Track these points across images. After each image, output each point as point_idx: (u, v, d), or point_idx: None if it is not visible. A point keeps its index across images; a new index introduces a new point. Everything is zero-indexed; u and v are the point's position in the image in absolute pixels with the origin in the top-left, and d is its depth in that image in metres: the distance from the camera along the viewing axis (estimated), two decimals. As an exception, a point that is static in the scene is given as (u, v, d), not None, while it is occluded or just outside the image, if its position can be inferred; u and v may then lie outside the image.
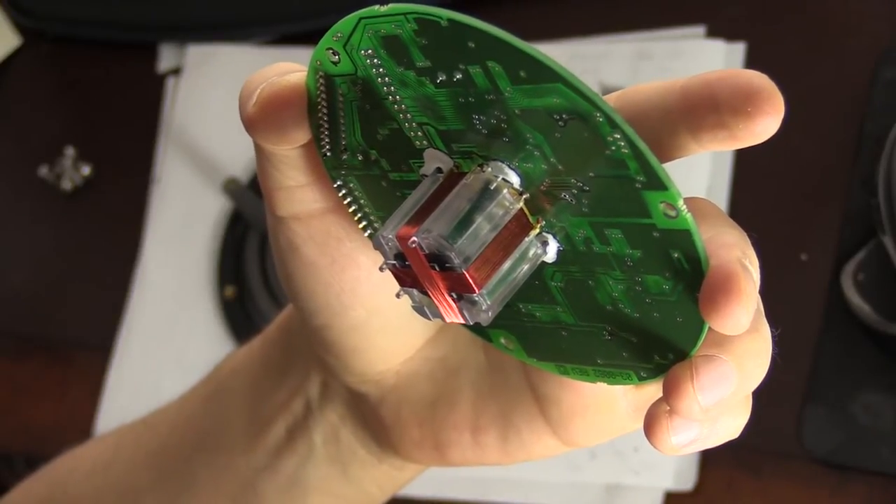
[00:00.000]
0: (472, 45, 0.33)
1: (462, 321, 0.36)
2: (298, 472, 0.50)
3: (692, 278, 0.34)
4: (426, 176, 0.37)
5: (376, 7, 0.35)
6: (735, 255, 0.33)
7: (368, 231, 0.40)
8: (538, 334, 0.40)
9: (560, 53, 0.92)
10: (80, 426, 0.93)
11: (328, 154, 0.39)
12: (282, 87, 0.37)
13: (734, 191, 0.86)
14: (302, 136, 0.38)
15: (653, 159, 0.32)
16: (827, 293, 0.81)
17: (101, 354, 0.95)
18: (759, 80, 0.33)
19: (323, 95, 0.37)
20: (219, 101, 0.99)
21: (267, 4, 1.01)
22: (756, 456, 0.79)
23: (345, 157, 0.39)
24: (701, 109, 0.34)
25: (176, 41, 1.03)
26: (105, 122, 1.03)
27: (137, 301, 0.96)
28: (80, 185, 1.01)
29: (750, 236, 0.35)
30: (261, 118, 0.38)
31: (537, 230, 0.36)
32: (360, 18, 0.35)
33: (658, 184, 0.33)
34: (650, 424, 0.36)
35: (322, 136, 0.38)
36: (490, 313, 0.36)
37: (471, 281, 0.35)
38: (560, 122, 0.33)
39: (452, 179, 0.36)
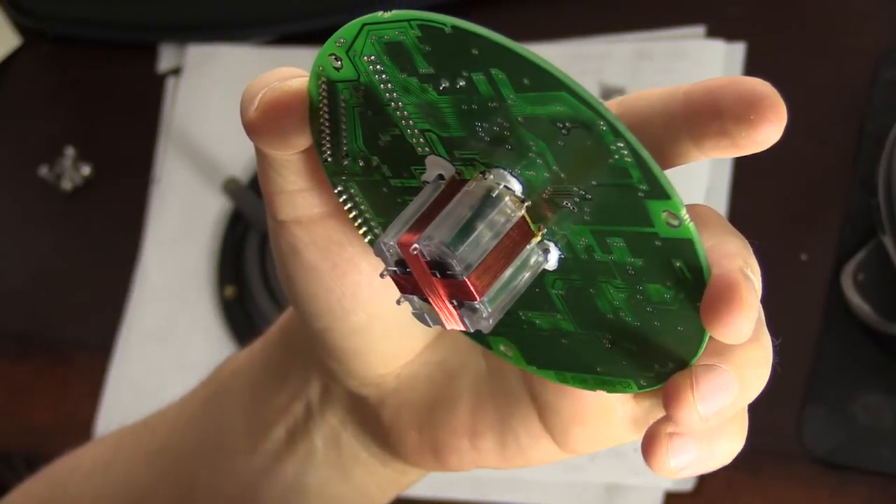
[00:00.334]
0: (475, 52, 0.33)
1: (463, 328, 0.36)
2: (299, 475, 0.50)
3: (694, 287, 0.34)
4: (428, 183, 0.37)
5: (380, 13, 0.35)
6: (737, 264, 0.33)
7: (369, 237, 0.40)
8: (538, 342, 0.40)
9: (560, 54, 0.92)
10: (80, 426, 0.93)
11: (329, 159, 0.39)
12: (283, 92, 0.37)
13: (734, 191, 0.86)
14: (303, 141, 0.38)
15: (656, 168, 0.32)
16: (827, 293, 0.81)
17: (101, 354, 0.95)
18: (762, 87, 0.33)
19: (325, 101, 0.37)
20: (219, 101, 0.99)
21: (267, 4, 1.01)
22: (756, 456, 0.79)
23: (346, 162, 0.38)
24: (703, 117, 0.34)
25: (176, 41, 1.03)
26: (105, 122, 1.03)
27: (137, 301, 0.96)
28: (80, 185, 1.01)
29: (752, 244, 0.35)
30: (262, 123, 0.38)
31: (539, 238, 0.36)
32: (364, 24, 0.35)
33: (661, 193, 0.33)
34: (649, 446, 0.36)
35: (323, 142, 0.38)
36: (491, 321, 0.36)
37: (472, 288, 0.35)
38: (563, 131, 0.33)
39: (454, 186, 0.36)
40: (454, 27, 0.33)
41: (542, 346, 0.40)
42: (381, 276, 0.37)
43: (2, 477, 0.95)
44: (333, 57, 0.36)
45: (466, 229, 0.35)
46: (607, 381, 0.39)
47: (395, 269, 0.36)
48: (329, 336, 0.44)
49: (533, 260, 0.36)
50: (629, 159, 0.33)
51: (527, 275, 0.36)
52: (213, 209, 0.97)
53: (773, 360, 0.36)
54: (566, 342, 0.39)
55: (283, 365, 0.50)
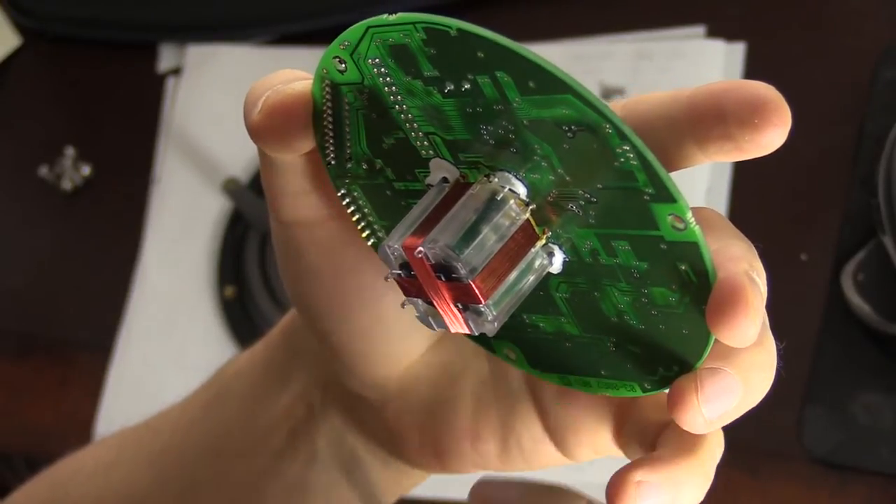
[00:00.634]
0: (481, 54, 0.33)
1: (467, 332, 0.36)
2: (301, 476, 0.50)
3: (699, 291, 0.34)
4: (432, 186, 0.37)
5: (385, 16, 0.35)
6: (742, 267, 0.33)
7: (372, 240, 0.40)
8: (542, 345, 0.39)
9: (560, 54, 0.92)
10: (80, 426, 0.93)
11: (332, 163, 0.39)
12: (287, 95, 0.37)
13: (734, 191, 0.86)
14: (306, 144, 0.38)
15: (662, 172, 0.32)
16: (827, 293, 0.81)
17: (101, 354, 0.95)
18: (766, 91, 0.33)
19: (329, 104, 0.37)
20: (219, 101, 0.99)
21: (267, 4, 1.01)
22: (755, 456, 0.79)
23: (349, 165, 0.38)
24: (707, 120, 0.34)
25: (176, 41, 1.03)
26: (105, 122, 1.03)
27: (137, 301, 0.96)
28: (80, 185, 1.01)
29: (756, 247, 0.35)
30: (265, 126, 0.37)
31: (543, 241, 0.36)
32: (369, 27, 0.35)
33: (667, 196, 0.33)
34: (614, 494, 0.36)
35: (327, 145, 0.38)
36: (496, 324, 0.36)
37: (477, 291, 0.35)
38: (569, 133, 0.33)
39: (458, 189, 0.36)
40: (459, 30, 0.33)
41: (545, 349, 0.39)
42: (386, 279, 0.37)
43: (2, 477, 0.95)
44: (337, 60, 0.36)
45: (471, 232, 0.35)
46: (611, 384, 0.39)
47: (399, 272, 0.36)
48: (332, 338, 0.44)
49: (537, 263, 0.36)
50: (635, 162, 0.33)
51: (531, 278, 0.36)
52: (213, 209, 0.97)
53: (777, 363, 0.36)
54: (570, 345, 0.39)
55: (286, 367, 0.49)
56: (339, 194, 0.39)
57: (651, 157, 0.32)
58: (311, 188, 0.40)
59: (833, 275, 0.81)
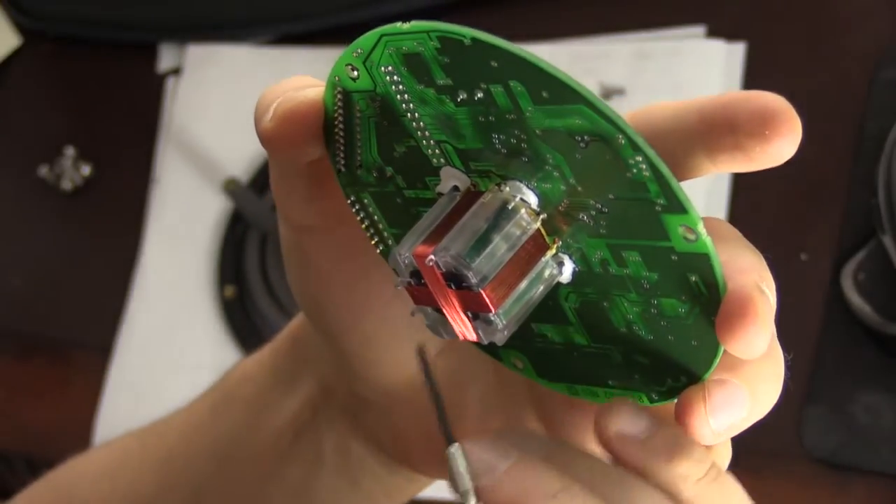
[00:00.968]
0: (494, 64, 0.33)
1: (477, 340, 0.36)
2: (307, 481, 0.50)
3: (709, 302, 0.34)
4: (442, 194, 0.37)
5: (398, 24, 0.35)
6: (752, 278, 0.34)
7: (380, 247, 0.40)
8: (550, 355, 0.39)
9: (560, 54, 0.92)
10: (80, 426, 0.93)
11: (343, 170, 0.39)
12: (299, 102, 0.37)
13: (734, 191, 0.86)
14: (317, 151, 0.38)
15: (674, 183, 0.32)
16: (827, 293, 0.81)
17: (101, 354, 0.95)
18: (777, 102, 0.33)
19: (340, 111, 0.37)
20: (219, 101, 0.99)
21: (267, 4, 1.01)
22: (756, 456, 0.79)
23: (360, 173, 0.38)
24: (718, 131, 0.34)
25: (176, 41, 1.03)
26: (105, 122, 1.03)
27: (137, 301, 0.95)
28: (80, 185, 1.00)
29: (766, 258, 0.35)
30: (277, 133, 0.37)
31: (554, 251, 0.36)
32: (382, 35, 0.35)
33: (678, 207, 0.33)
34: None
35: (337, 152, 0.38)
36: (506, 333, 0.36)
37: (488, 300, 0.35)
38: (581, 144, 0.33)
39: (469, 198, 0.36)
40: (474, 39, 0.33)
41: (553, 358, 0.40)
42: (396, 287, 0.37)
43: (2, 477, 0.95)
44: (350, 67, 0.36)
45: (482, 241, 0.35)
46: (619, 394, 0.39)
47: (409, 280, 0.36)
48: (339, 343, 0.44)
49: (547, 273, 0.36)
50: (647, 173, 0.33)
51: (541, 287, 0.36)
52: (213, 209, 0.97)
53: (785, 375, 0.36)
54: (578, 355, 0.39)
55: (292, 372, 0.49)
56: (348, 201, 0.39)
57: (664, 168, 0.32)
58: (321, 195, 0.40)
59: (833, 275, 0.81)
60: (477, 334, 0.36)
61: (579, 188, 0.34)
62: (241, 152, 0.97)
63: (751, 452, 0.79)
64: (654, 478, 0.35)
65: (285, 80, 0.38)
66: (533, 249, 0.36)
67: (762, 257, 0.35)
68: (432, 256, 0.35)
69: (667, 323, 0.35)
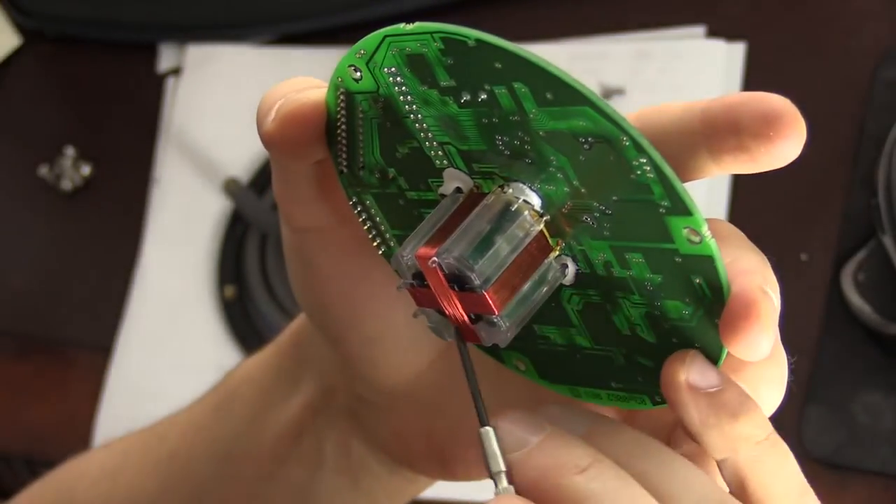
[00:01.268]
0: (498, 65, 0.33)
1: (480, 342, 0.36)
2: (308, 481, 0.50)
3: (713, 304, 0.34)
4: (445, 195, 0.37)
5: (402, 25, 0.34)
6: (756, 280, 0.34)
7: (382, 249, 0.40)
8: (552, 357, 0.39)
9: (560, 54, 0.92)
10: (80, 426, 0.93)
11: (345, 171, 0.39)
12: (301, 103, 0.37)
13: (734, 191, 0.86)
14: (319, 153, 0.38)
15: (679, 185, 0.32)
16: (827, 293, 0.81)
17: (101, 354, 0.95)
18: (781, 103, 0.33)
19: (343, 112, 0.37)
20: (219, 101, 0.99)
21: (267, 4, 1.01)
22: (756, 456, 0.79)
23: (362, 174, 0.38)
24: (722, 133, 0.34)
25: (176, 41, 1.02)
26: (105, 122, 1.03)
27: (137, 301, 0.95)
28: (80, 185, 1.00)
29: (769, 259, 0.35)
30: (279, 135, 0.37)
31: (557, 252, 0.36)
32: (385, 36, 0.35)
33: (683, 209, 0.33)
34: None
35: (340, 153, 0.38)
36: (509, 334, 0.36)
37: (491, 302, 0.35)
38: (585, 145, 0.33)
39: (473, 200, 0.36)
40: (478, 40, 0.33)
41: (556, 360, 0.39)
42: (398, 288, 0.37)
43: (2, 477, 0.95)
44: (353, 68, 0.36)
45: (485, 243, 0.35)
46: (622, 396, 0.38)
47: (411, 281, 0.36)
48: (340, 344, 0.44)
49: (551, 275, 0.36)
50: (651, 175, 0.33)
51: (544, 289, 0.36)
52: (213, 209, 0.97)
53: (788, 377, 0.36)
54: (581, 357, 0.39)
55: (294, 373, 0.49)
56: (350, 203, 0.39)
57: (668, 170, 0.32)
58: (323, 196, 0.40)
59: (833, 275, 0.81)
60: (480, 336, 0.36)
61: (583, 190, 0.34)
62: (241, 152, 0.97)
63: (751, 452, 0.80)
64: (712, 435, 0.35)
65: (287, 81, 0.38)
66: (536, 251, 0.35)
67: (766, 259, 0.35)
68: (435, 258, 0.35)
69: (670, 325, 0.35)
